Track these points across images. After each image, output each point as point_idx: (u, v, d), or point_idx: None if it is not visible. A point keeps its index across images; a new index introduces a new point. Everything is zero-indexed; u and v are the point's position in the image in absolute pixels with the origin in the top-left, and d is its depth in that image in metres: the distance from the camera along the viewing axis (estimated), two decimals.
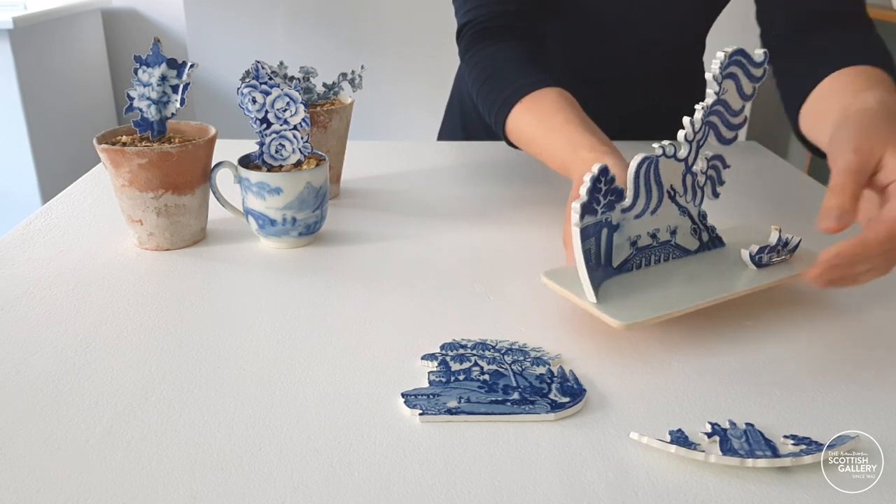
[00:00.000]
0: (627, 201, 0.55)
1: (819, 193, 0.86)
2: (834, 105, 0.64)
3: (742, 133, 2.67)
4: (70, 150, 2.25)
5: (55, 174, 2.15)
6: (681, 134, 0.56)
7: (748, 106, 0.59)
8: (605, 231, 0.54)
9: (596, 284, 0.52)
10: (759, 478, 0.40)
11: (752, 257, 0.57)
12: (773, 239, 0.57)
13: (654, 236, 0.58)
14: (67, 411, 0.45)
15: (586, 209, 0.51)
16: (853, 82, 0.66)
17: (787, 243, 0.58)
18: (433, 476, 0.40)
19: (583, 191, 0.50)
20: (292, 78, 0.78)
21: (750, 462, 0.41)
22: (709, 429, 0.44)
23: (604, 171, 0.51)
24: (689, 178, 0.58)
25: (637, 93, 0.99)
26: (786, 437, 0.43)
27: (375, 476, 0.40)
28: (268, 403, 0.46)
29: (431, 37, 2.17)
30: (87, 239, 0.70)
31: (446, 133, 1.12)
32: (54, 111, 2.18)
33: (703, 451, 0.41)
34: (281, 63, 0.79)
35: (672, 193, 0.58)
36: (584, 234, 0.51)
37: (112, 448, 0.42)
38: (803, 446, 0.42)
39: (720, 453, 0.41)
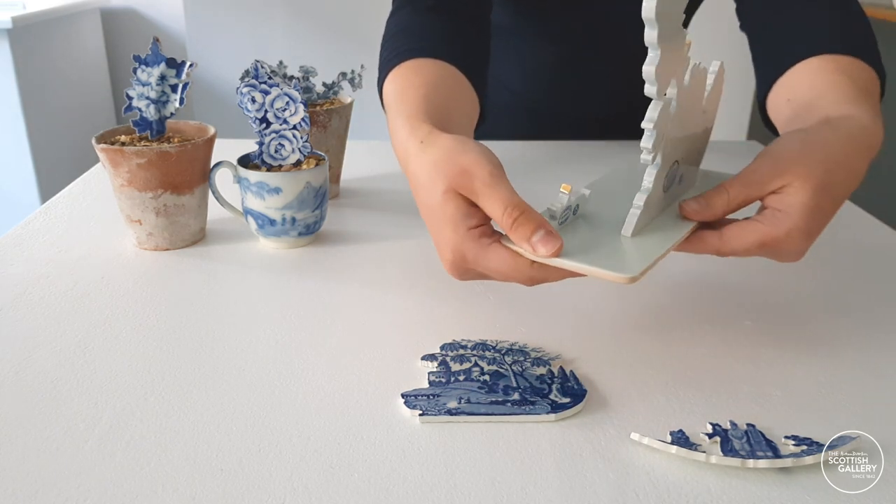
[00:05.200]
0: None
1: None
2: (789, 122, 0.60)
3: (742, 133, 2.64)
4: (69, 149, 2.25)
5: (54, 174, 2.15)
6: None
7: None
8: None
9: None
10: (761, 478, 0.40)
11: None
12: (562, 201, 0.48)
13: None
14: (67, 411, 0.45)
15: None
16: (826, 83, 0.60)
17: (576, 209, 0.50)
18: (433, 477, 0.40)
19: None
20: (292, 77, 0.78)
21: (751, 463, 0.40)
22: (710, 429, 0.44)
23: None
24: None
25: (616, 92, 0.99)
26: (787, 437, 0.43)
27: (375, 477, 0.40)
28: (267, 404, 0.46)
29: None
30: (86, 239, 0.70)
31: None
32: (53, 111, 2.18)
33: (705, 452, 0.41)
34: (280, 62, 0.79)
35: None
36: None
37: (112, 448, 0.42)
38: (804, 447, 0.42)
39: (721, 454, 0.41)
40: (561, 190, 0.48)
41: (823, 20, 0.67)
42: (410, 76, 0.63)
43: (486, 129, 0.75)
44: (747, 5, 0.75)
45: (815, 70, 0.62)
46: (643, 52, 0.43)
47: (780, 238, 0.47)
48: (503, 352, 0.51)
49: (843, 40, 0.64)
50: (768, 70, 0.68)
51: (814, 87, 0.60)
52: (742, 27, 0.76)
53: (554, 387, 0.47)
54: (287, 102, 0.66)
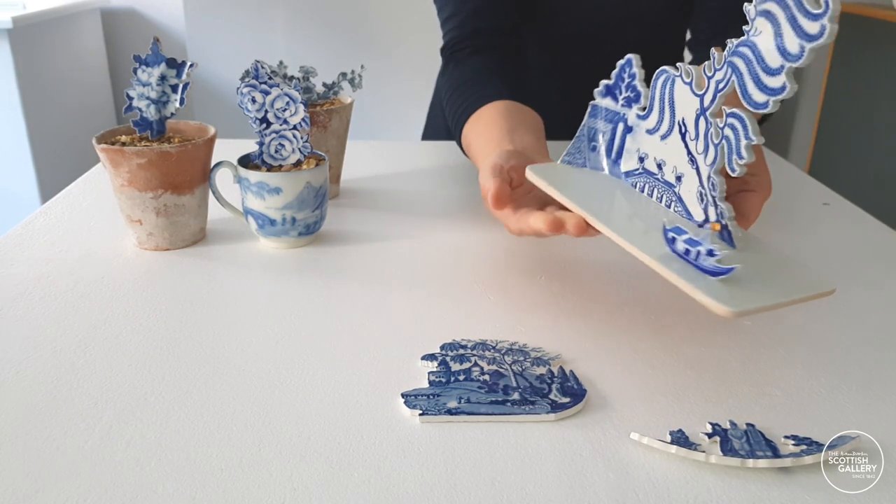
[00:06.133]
0: (643, 105, 0.53)
1: (820, 193, 0.86)
2: None
3: None
4: (69, 149, 2.25)
5: (55, 174, 2.15)
6: (705, 66, 0.48)
7: (792, 69, 0.42)
8: (621, 126, 0.55)
9: (590, 166, 0.56)
10: (760, 478, 0.40)
11: (664, 229, 0.46)
12: (703, 235, 0.46)
13: (660, 167, 0.53)
14: (67, 411, 0.45)
15: (609, 90, 0.53)
16: None
17: (711, 253, 0.43)
18: (433, 476, 0.40)
19: (612, 74, 0.53)
20: (292, 77, 0.78)
21: (751, 462, 0.40)
22: (709, 429, 0.44)
23: (629, 62, 0.53)
24: (702, 124, 0.48)
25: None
26: (786, 437, 0.43)
27: (375, 476, 0.40)
28: (267, 403, 0.46)
29: (431, 36, 2.18)
30: (87, 239, 0.70)
31: (430, 134, 1.13)
32: (54, 111, 2.18)
33: (704, 452, 0.41)
34: (280, 63, 0.79)
35: (683, 129, 0.50)
36: (595, 112, 0.55)
37: (112, 448, 0.42)
38: (804, 447, 0.42)
39: (721, 454, 0.41)
40: (713, 230, 0.48)
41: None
42: (477, 124, 0.74)
43: None
44: (697, 37, 0.89)
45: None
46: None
47: (769, 193, 0.54)
48: (503, 352, 0.51)
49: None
50: None
51: None
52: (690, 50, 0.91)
53: (554, 386, 0.47)
54: (287, 102, 0.66)
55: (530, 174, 0.57)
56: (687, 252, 0.45)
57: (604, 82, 0.56)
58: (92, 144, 0.65)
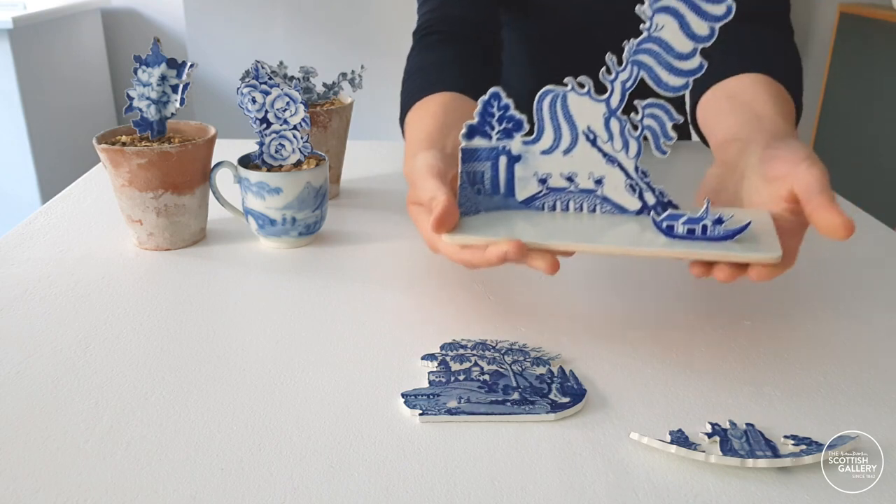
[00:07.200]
0: (527, 130, 0.53)
1: None
2: (733, 110, 0.66)
3: None
4: (70, 149, 2.25)
5: (55, 174, 2.15)
6: (602, 72, 0.51)
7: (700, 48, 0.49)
8: (503, 159, 0.54)
9: (483, 209, 0.54)
10: (760, 478, 0.40)
11: (656, 222, 0.50)
12: (701, 211, 0.49)
13: (570, 179, 0.54)
14: (67, 411, 0.45)
15: (475, 130, 0.52)
16: (755, 98, 0.67)
17: (720, 220, 0.48)
18: (433, 476, 0.40)
19: (475, 112, 0.53)
20: (292, 78, 0.78)
21: (750, 462, 0.41)
22: (709, 429, 0.44)
23: (495, 95, 0.52)
24: (615, 124, 0.52)
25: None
26: (786, 437, 0.43)
27: (375, 476, 0.40)
28: (267, 403, 0.46)
29: None
30: (87, 239, 0.70)
31: None
32: (54, 111, 2.18)
33: (704, 452, 0.41)
34: (281, 63, 0.79)
35: (591, 136, 0.53)
36: (470, 155, 0.53)
37: (112, 448, 0.42)
38: (803, 446, 0.42)
39: (720, 453, 0.41)
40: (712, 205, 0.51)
41: (763, 42, 0.75)
42: (416, 115, 0.71)
43: None
44: None
45: (754, 83, 0.69)
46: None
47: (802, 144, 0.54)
48: (503, 352, 0.51)
49: (773, 67, 0.72)
50: (705, 78, 0.73)
51: (756, 98, 0.67)
52: None
53: (553, 386, 0.47)
54: (287, 103, 0.66)
55: (455, 240, 0.53)
56: (691, 232, 0.49)
57: (467, 123, 0.54)
58: (92, 144, 0.65)
